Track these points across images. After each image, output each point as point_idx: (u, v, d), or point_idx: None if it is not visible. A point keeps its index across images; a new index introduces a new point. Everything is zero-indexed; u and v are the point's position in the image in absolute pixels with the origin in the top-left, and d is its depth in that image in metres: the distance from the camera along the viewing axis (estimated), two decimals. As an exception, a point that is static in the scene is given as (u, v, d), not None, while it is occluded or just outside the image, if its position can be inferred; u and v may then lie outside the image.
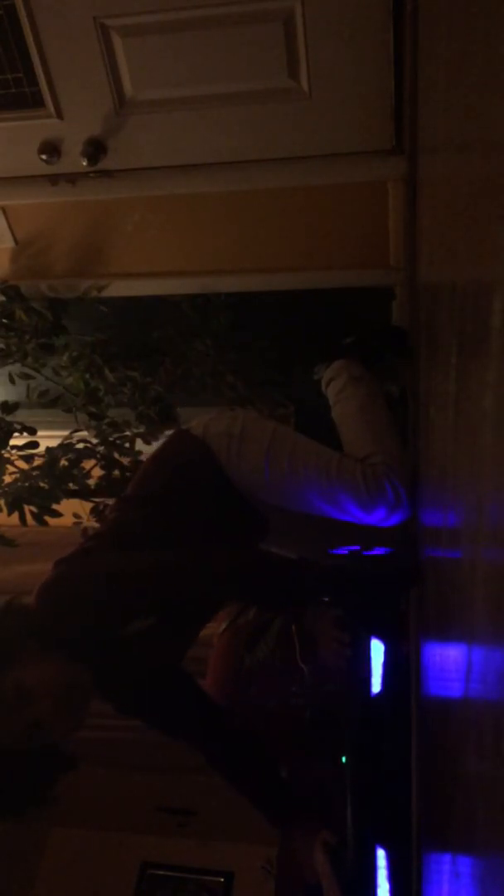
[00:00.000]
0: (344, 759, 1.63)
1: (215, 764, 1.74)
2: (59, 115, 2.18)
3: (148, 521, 1.68)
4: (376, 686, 1.65)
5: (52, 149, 2.22)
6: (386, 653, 1.67)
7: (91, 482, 2.56)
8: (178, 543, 1.63)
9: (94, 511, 2.57)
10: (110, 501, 2.55)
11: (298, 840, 1.63)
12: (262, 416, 1.98)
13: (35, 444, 2.52)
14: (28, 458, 2.53)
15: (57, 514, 2.48)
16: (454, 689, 0.96)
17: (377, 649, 1.68)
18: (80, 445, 2.57)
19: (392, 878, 1.53)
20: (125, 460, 2.60)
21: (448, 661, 1.08)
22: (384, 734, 1.65)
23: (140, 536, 1.65)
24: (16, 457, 2.54)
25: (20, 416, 2.58)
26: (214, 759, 1.74)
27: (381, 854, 1.55)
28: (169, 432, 2.75)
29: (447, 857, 1.04)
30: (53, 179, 2.30)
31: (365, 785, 1.61)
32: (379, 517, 1.71)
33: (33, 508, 2.46)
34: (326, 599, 1.67)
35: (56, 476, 2.48)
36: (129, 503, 1.76)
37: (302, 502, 1.76)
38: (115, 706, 1.67)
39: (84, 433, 2.64)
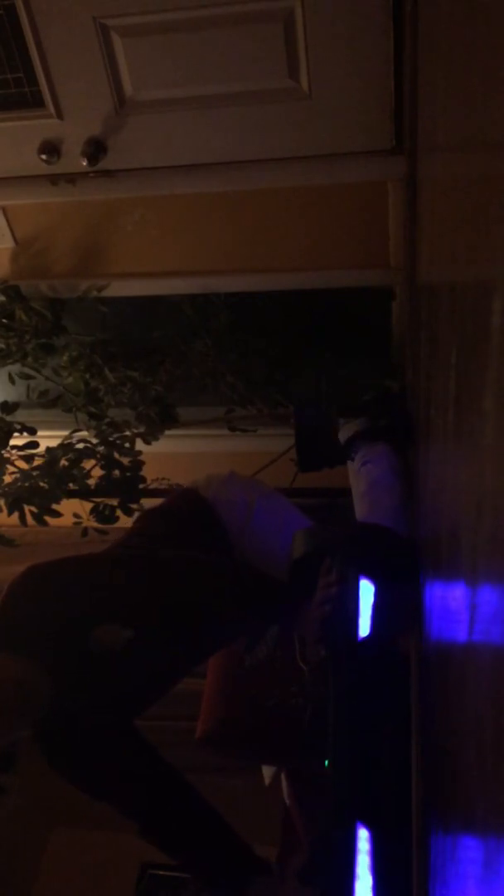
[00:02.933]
0: (326, 763, 1.53)
1: (152, 838, 1.52)
2: (59, 115, 2.18)
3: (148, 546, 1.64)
4: (364, 629, 1.57)
5: (52, 149, 2.22)
6: (376, 595, 1.60)
7: (91, 482, 2.56)
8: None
9: (94, 511, 2.57)
10: (110, 501, 2.55)
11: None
12: (274, 491, 1.94)
13: (35, 444, 2.52)
14: (28, 458, 2.53)
15: (57, 514, 2.47)
16: (457, 634, 0.95)
17: (366, 590, 1.60)
18: (80, 445, 2.57)
19: (379, 869, 1.36)
20: (125, 460, 2.60)
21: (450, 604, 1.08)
22: (375, 686, 1.55)
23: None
24: (16, 457, 2.54)
25: (20, 416, 2.58)
26: (150, 833, 1.53)
27: (363, 836, 1.38)
28: (169, 432, 2.77)
29: (450, 841, 1.00)
30: (53, 179, 2.30)
31: (349, 745, 1.49)
32: None
33: (33, 508, 2.45)
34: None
35: (56, 476, 2.47)
36: (131, 539, 1.72)
37: None
38: (49, 750, 1.47)
39: (84, 433, 2.64)
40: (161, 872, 3.44)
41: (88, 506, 2.58)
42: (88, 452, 2.55)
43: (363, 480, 2.04)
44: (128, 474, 2.55)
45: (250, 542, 1.74)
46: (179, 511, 1.79)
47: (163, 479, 2.75)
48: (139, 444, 2.66)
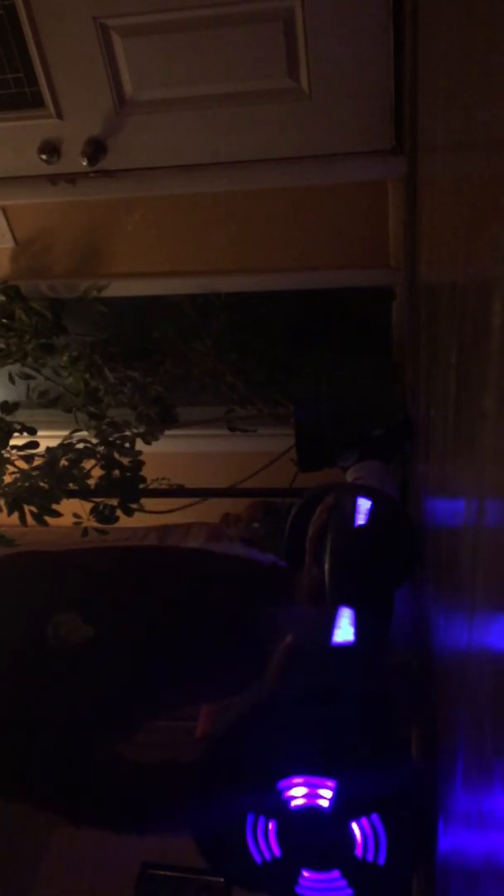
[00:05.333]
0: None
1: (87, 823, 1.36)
2: (59, 115, 2.18)
3: None
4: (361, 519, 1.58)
5: (52, 149, 2.22)
6: (373, 504, 1.61)
7: (91, 482, 2.56)
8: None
9: (94, 511, 2.57)
10: (110, 501, 2.56)
11: None
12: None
13: (35, 444, 2.52)
14: (28, 458, 2.53)
15: (57, 514, 2.47)
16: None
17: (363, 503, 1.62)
18: (80, 445, 2.57)
19: (363, 629, 1.32)
20: (125, 460, 2.60)
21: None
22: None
23: None
24: (16, 457, 2.54)
25: (20, 416, 2.58)
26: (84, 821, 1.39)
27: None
28: (169, 432, 2.77)
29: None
30: (53, 179, 2.30)
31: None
32: None
33: (33, 508, 2.45)
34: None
35: (56, 476, 2.47)
36: None
37: None
38: None
39: (84, 433, 2.64)
40: (161, 872, 3.44)
41: (88, 506, 2.58)
42: (88, 452, 2.55)
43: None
44: (128, 474, 2.55)
45: None
46: None
47: (163, 479, 2.75)
48: (139, 444, 2.66)
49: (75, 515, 2.60)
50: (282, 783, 1.08)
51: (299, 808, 1.08)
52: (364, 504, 1.58)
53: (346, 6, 1.93)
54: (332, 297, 2.56)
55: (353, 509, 1.55)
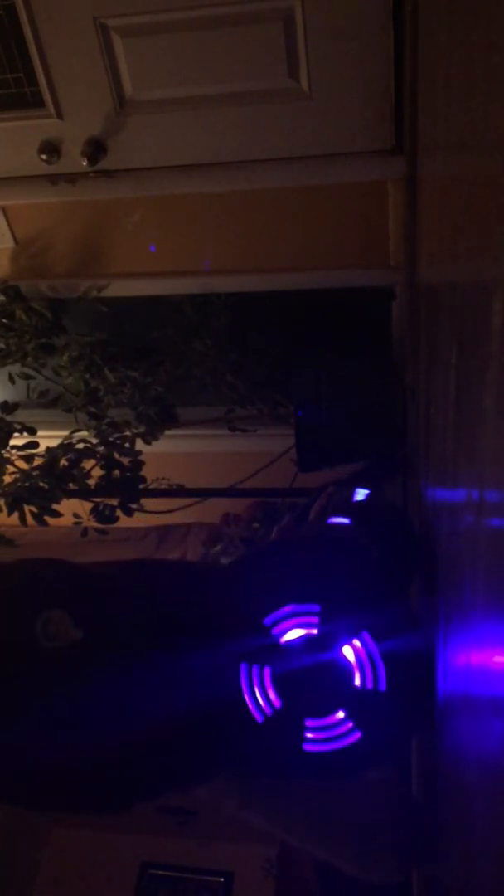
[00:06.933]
0: None
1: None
2: (59, 115, 2.18)
3: None
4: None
5: (52, 149, 2.22)
6: (371, 493, 1.70)
7: (91, 482, 2.56)
8: None
9: (94, 511, 2.57)
10: (110, 501, 2.56)
11: None
12: None
13: (35, 444, 2.52)
14: (28, 458, 2.53)
15: (57, 514, 2.47)
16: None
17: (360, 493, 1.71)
18: (80, 445, 2.57)
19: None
20: (125, 460, 2.60)
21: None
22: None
23: None
24: (16, 457, 2.54)
25: (20, 416, 2.58)
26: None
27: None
28: (169, 432, 2.77)
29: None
30: (53, 179, 2.30)
31: None
32: None
33: (33, 508, 2.45)
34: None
35: (56, 476, 2.47)
36: None
37: None
38: None
39: (84, 433, 2.64)
40: (161, 872, 3.45)
41: (88, 506, 2.58)
42: (88, 452, 2.55)
43: None
44: (128, 474, 2.55)
45: None
46: None
47: (163, 479, 2.76)
48: (139, 444, 2.66)
49: (75, 515, 2.60)
50: (269, 619, 1.09)
51: (291, 643, 1.09)
52: (362, 491, 1.64)
53: (346, 6, 1.93)
54: (332, 297, 2.56)
55: (351, 494, 1.60)
